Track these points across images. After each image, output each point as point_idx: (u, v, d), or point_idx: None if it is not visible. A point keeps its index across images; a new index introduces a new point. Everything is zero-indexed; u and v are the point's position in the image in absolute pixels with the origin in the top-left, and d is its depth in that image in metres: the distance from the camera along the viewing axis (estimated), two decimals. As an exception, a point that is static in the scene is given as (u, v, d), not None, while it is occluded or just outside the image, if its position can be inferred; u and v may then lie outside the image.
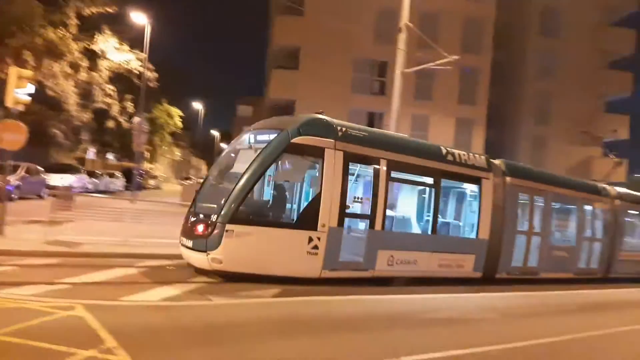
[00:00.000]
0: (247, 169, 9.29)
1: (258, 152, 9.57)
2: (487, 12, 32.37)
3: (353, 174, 10.59)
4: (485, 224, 12.46)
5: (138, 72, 26.90)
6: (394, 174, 10.90)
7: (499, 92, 35.38)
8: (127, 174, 33.81)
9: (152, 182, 44.89)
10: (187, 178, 67.05)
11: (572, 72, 35.08)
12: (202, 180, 11.13)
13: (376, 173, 10.59)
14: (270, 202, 10.15)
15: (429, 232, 11.86)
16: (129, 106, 28.69)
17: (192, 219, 9.73)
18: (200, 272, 9.56)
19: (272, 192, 10.20)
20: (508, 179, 13.19)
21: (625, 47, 37.27)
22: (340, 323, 7.78)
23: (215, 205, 9.35)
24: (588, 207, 16.22)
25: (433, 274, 11.65)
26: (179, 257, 10.23)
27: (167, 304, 7.67)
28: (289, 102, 30.82)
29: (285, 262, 9.54)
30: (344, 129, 10.33)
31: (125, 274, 9.40)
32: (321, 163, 9.77)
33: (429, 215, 12.02)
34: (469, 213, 13.21)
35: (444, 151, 12.20)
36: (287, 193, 10.32)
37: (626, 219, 17.92)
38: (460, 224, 13.28)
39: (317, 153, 9.78)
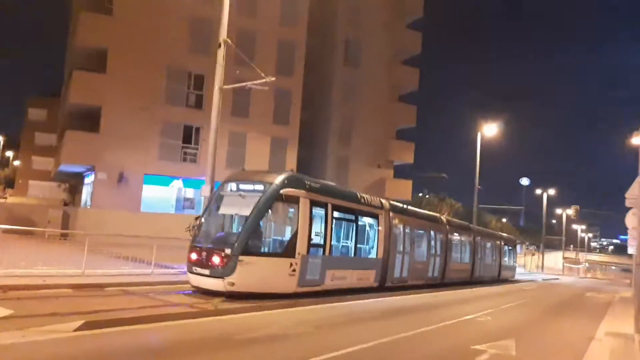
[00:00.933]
0: (250, 213, 12.44)
1: (252, 198, 12.76)
2: (298, 37, 34.25)
3: (314, 215, 13.85)
4: (380, 247, 17.21)
5: None
6: (335, 214, 14.84)
7: (309, 114, 37.62)
8: None
9: None
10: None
11: (370, 101, 39.20)
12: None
13: (326, 213, 14.37)
14: (265, 237, 13.22)
15: (352, 255, 16.14)
16: None
17: (205, 253, 12.32)
18: (212, 294, 11.94)
19: (266, 229, 13.24)
20: (391, 213, 18.08)
21: (411, 83, 43.13)
22: (153, 353, 7.23)
23: (225, 242, 12.47)
24: (432, 232, 22.13)
25: (354, 285, 15.84)
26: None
27: None
28: (93, 109, 28.07)
29: (275, 282, 12.72)
30: (309, 182, 14.02)
31: None
32: (296, 208, 13.24)
33: (352, 243, 16.17)
34: (371, 239, 17.47)
35: (359, 196, 16.94)
36: (276, 230, 13.76)
37: (453, 239, 24.50)
38: (367, 247, 17.31)
39: (295, 201, 13.22)
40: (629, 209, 13.57)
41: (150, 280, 13.76)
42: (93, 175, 28.46)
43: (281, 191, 12.94)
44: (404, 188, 41.28)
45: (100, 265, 14.18)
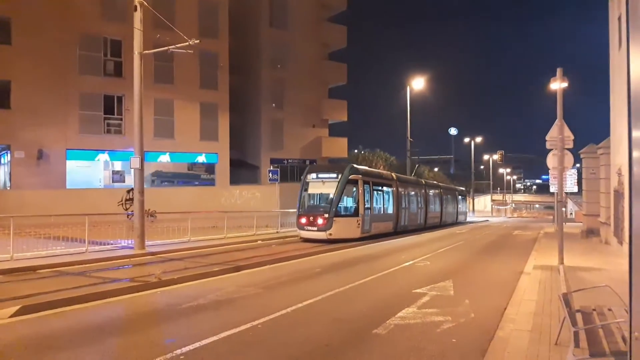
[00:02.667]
0: (335, 191, 20.62)
1: (332, 184, 20.90)
2: (220, -2, 32.91)
3: (365, 189, 21.95)
4: (394, 206, 25.89)
5: None
6: (374, 187, 23.01)
7: (239, 79, 36.67)
8: None
9: None
10: None
11: (300, 61, 38.65)
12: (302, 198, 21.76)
13: (370, 188, 22.59)
14: (344, 205, 21.30)
15: (382, 213, 24.51)
16: None
17: (310, 217, 20.54)
18: (312, 241, 19.81)
19: (344, 201, 21.25)
20: (398, 182, 26.86)
21: (340, 41, 42.81)
22: (97, 331, 6.99)
23: (324, 210, 20.58)
24: (418, 192, 30.87)
25: (383, 231, 23.97)
26: None
27: None
28: (2, 83, 25.81)
29: (350, 231, 20.78)
30: (360, 169, 22.73)
31: None
32: (357, 186, 21.45)
33: (381, 205, 24.49)
34: (389, 201, 25.54)
35: (382, 173, 26.86)
36: (348, 201, 21.54)
37: (429, 196, 33.23)
38: (388, 207, 25.41)
39: (356, 182, 21.42)
40: (549, 150, 14.41)
41: (86, 258, 13.26)
42: (9, 155, 26.54)
43: (349, 177, 21.22)
44: (340, 146, 41.64)
45: (30, 247, 13.45)
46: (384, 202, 24.77)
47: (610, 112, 19.56)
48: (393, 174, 27.33)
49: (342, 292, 9.95)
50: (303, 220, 20.78)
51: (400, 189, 26.71)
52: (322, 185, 21.28)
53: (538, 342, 6.20)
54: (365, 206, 21.81)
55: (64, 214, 15.98)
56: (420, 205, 30.88)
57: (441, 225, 35.73)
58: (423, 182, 33.74)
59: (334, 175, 21.25)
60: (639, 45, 1.49)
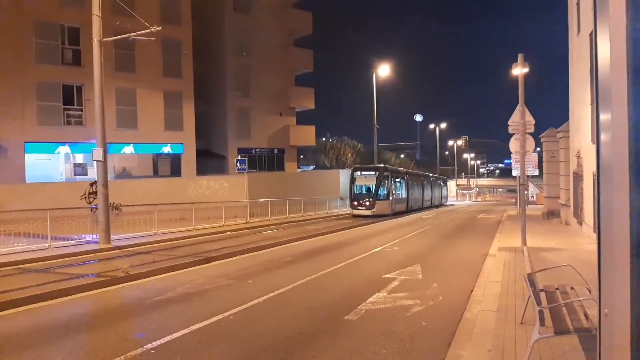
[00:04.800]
0: (375, 183, 30.63)
1: (372, 178, 31.00)
2: (182, -17, 32.12)
3: (391, 181, 31.87)
4: (406, 192, 35.70)
5: None
6: (396, 180, 33.66)
7: (204, 66, 36.02)
8: None
9: None
10: None
11: (266, 48, 38.21)
12: (353, 188, 31.33)
13: (394, 180, 33.03)
14: (381, 193, 30.89)
15: (400, 197, 34.23)
16: None
17: (361, 201, 30.44)
18: (361, 217, 29.08)
19: (381, 189, 30.88)
20: (407, 175, 37.37)
21: (305, 27, 42.45)
22: (64, 329, 6.83)
23: (369, 196, 30.49)
24: (418, 181, 40.64)
25: (399, 210, 33.26)
26: None
27: None
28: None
29: (385, 210, 30.66)
30: (389, 167, 34.64)
31: None
32: (388, 179, 31.62)
33: (399, 192, 34.35)
34: (403, 189, 34.92)
35: (399, 169, 39.78)
36: (383, 189, 31.12)
37: (425, 184, 42.60)
38: (402, 193, 34.68)
39: (387, 176, 31.63)
40: (512, 135, 14.74)
41: (49, 254, 12.88)
42: (-37, 149, 25.42)
43: (383, 173, 30.81)
44: (308, 134, 41.54)
45: (-12, 245, 12.95)
46: (401, 190, 34.58)
47: (569, 96, 20.14)
48: (404, 169, 39.13)
49: (313, 280, 10.00)
50: (355, 203, 30.52)
51: (409, 180, 36.78)
52: (365, 179, 31.13)
53: (504, 322, 6.39)
54: (393, 193, 31.71)
55: (24, 209, 15.45)
56: (419, 191, 40.56)
57: (432, 206, 45.31)
58: (420, 173, 45.43)
59: (373, 172, 31.13)
60: (605, 28, 1.53)
